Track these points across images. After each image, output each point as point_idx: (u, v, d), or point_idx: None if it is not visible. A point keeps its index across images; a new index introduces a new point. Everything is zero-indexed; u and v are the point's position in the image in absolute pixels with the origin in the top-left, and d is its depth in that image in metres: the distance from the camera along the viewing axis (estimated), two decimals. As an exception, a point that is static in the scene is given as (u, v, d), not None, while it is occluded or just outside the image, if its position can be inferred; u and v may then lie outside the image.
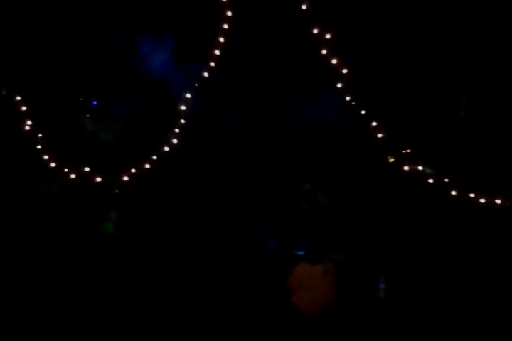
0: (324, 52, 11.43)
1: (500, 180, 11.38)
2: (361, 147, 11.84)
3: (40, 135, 11.38)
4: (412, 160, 11.43)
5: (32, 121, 11.41)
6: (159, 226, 11.81)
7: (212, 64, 11.42)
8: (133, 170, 11.37)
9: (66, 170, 11.34)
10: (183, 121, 11.42)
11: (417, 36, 11.82)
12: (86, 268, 11.27)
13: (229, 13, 11.49)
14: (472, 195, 11.26)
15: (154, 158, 11.39)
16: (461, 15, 11.72)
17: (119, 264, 11.35)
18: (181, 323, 10.89)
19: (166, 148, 11.38)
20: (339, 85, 11.50)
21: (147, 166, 11.39)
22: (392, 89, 11.91)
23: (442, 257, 11.38)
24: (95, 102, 12.07)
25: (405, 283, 11.23)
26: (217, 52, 11.44)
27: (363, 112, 11.50)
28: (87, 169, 11.40)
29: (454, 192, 11.28)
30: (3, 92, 11.38)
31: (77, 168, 11.37)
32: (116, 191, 11.61)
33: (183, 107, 11.43)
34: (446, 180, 11.31)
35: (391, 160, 11.68)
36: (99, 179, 11.37)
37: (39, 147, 11.35)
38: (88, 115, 12.03)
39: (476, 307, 10.86)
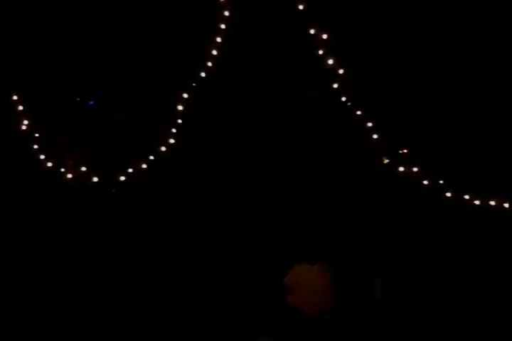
0: (321, 52, 11.55)
1: (495, 181, 11.49)
2: (357, 148, 11.89)
3: (36, 135, 11.32)
4: (408, 161, 11.53)
5: (29, 121, 11.35)
6: (159, 226, 11.78)
7: (210, 64, 11.50)
8: (130, 170, 11.39)
9: (63, 169, 11.31)
10: (180, 121, 11.48)
11: (415, 34, 11.85)
12: (85, 268, 11.25)
13: (226, 13, 11.54)
14: (467, 197, 11.44)
15: (151, 157, 11.42)
16: (459, 15, 11.75)
17: (118, 263, 11.34)
18: (179, 323, 10.91)
19: (163, 148, 11.41)
20: (335, 86, 11.64)
21: (144, 166, 11.41)
22: (388, 89, 11.96)
23: (439, 257, 11.48)
24: (92, 102, 12.01)
25: (404, 282, 11.31)
26: (214, 52, 11.51)
27: (358, 113, 11.65)
28: (83, 169, 11.37)
29: (448, 194, 11.46)
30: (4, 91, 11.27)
31: (74, 168, 11.32)
32: (113, 191, 11.56)
33: (180, 107, 11.48)
34: (441, 181, 11.47)
35: (386, 161, 11.74)
36: (96, 179, 11.34)
37: (36, 147, 11.29)
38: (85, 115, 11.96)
39: (474, 307, 10.99)
